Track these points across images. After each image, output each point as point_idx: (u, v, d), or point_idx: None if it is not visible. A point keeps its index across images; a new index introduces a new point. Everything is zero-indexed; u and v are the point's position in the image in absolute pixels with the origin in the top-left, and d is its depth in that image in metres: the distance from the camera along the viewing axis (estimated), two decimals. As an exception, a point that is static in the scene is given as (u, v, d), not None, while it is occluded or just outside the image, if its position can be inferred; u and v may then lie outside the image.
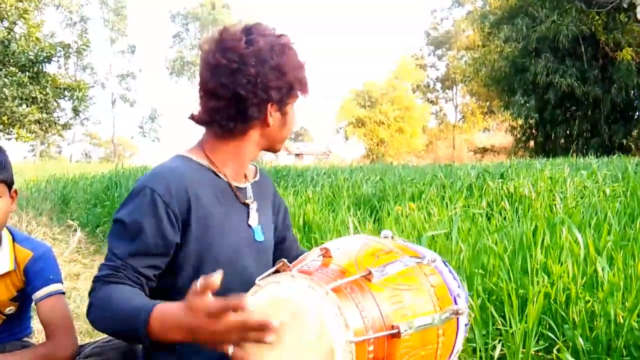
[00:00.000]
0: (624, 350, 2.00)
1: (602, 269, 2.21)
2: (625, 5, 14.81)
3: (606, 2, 15.82)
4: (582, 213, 3.18)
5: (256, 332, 0.97)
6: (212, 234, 1.39)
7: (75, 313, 2.92)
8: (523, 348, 2.04)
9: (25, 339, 1.98)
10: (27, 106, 12.64)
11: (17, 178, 14.06)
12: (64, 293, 1.90)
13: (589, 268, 2.34)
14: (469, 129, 46.21)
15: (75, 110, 14.04)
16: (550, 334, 2.09)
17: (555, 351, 2.01)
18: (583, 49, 18.97)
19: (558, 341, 1.99)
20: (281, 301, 1.04)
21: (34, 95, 12.28)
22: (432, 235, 2.87)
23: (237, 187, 1.49)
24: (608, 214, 2.85)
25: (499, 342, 2.15)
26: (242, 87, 1.37)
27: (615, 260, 2.34)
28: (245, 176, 1.56)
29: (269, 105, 1.41)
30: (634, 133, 21.55)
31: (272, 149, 1.54)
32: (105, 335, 2.12)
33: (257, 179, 1.61)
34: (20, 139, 15.59)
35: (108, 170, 13.07)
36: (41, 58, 12.46)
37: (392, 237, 1.37)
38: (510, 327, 2.11)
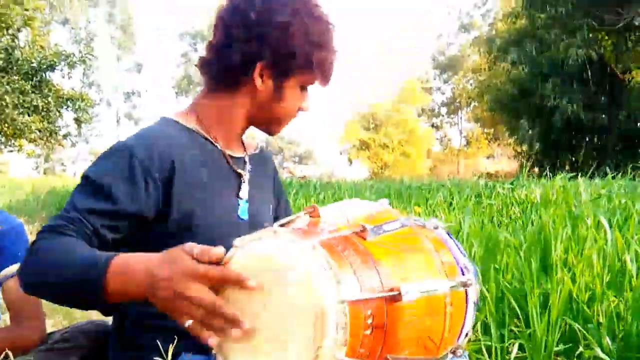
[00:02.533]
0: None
1: (631, 262, 2.01)
2: (636, 23, 14.73)
3: (617, 20, 15.75)
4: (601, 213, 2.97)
5: (226, 321, 0.84)
6: (197, 201, 1.21)
7: (53, 308, 2.72)
8: (544, 350, 1.84)
9: (-8, 323, 1.80)
10: (28, 115, 12.57)
11: (19, 192, 14.09)
12: (33, 273, 1.71)
13: (615, 264, 2.14)
14: (473, 154, 46.16)
15: (78, 121, 13.99)
16: (577, 332, 1.89)
17: (582, 348, 1.79)
18: (590, 74, 18.90)
19: (589, 339, 1.78)
20: (263, 259, 0.86)
21: (35, 104, 12.22)
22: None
23: (230, 155, 1.31)
24: (632, 212, 2.64)
25: (514, 344, 1.95)
26: (235, 27, 1.21)
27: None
28: (244, 147, 1.39)
29: (259, 64, 1.22)
30: (640, 162, 21.32)
31: (264, 124, 1.33)
32: (77, 323, 1.94)
33: (257, 152, 1.44)
34: (22, 151, 15.54)
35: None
36: (44, 66, 12.44)
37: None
38: (529, 327, 1.92)
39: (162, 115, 1.33)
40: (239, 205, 1.30)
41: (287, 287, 0.83)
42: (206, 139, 1.28)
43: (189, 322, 0.84)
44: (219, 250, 0.87)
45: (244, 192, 1.32)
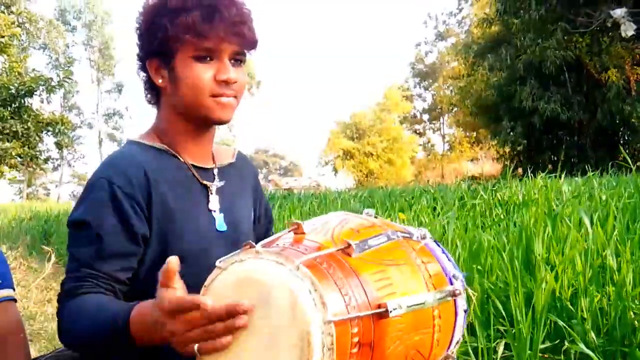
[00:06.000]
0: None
1: (613, 258, 2.03)
2: (609, 25, 14.84)
3: (589, 22, 15.91)
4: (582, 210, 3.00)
5: (224, 321, 0.83)
6: (174, 222, 1.21)
7: (38, 333, 2.69)
8: (530, 349, 1.85)
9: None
10: (8, 141, 12.43)
11: (1, 218, 13.90)
12: (15, 300, 1.69)
13: (595, 260, 2.16)
14: (456, 159, 46.37)
15: (59, 145, 13.85)
16: (562, 329, 1.90)
17: (568, 343, 1.81)
18: (567, 75, 19.07)
19: (573, 335, 1.80)
20: (245, 281, 0.86)
21: (14, 130, 12.08)
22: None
23: (197, 166, 1.30)
24: (612, 209, 2.67)
25: (500, 343, 1.96)
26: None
27: (622, 252, 2.18)
28: (214, 158, 1.37)
29: (147, 64, 1.25)
30: (620, 159, 21.43)
31: (197, 115, 1.25)
32: (62, 348, 1.91)
33: (232, 161, 1.42)
34: (3, 178, 15.34)
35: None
36: (23, 92, 12.30)
37: (376, 217, 1.17)
38: (513, 326, 1.94)
39: (128, 138, 1.34)
40: (214, 218, 1.29)
41: (272, 310, 0.83)
42: (172, 155, 1.28)
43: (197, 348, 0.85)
44: (170, 262, 0.87)
45: (214, 203, 1.30)
